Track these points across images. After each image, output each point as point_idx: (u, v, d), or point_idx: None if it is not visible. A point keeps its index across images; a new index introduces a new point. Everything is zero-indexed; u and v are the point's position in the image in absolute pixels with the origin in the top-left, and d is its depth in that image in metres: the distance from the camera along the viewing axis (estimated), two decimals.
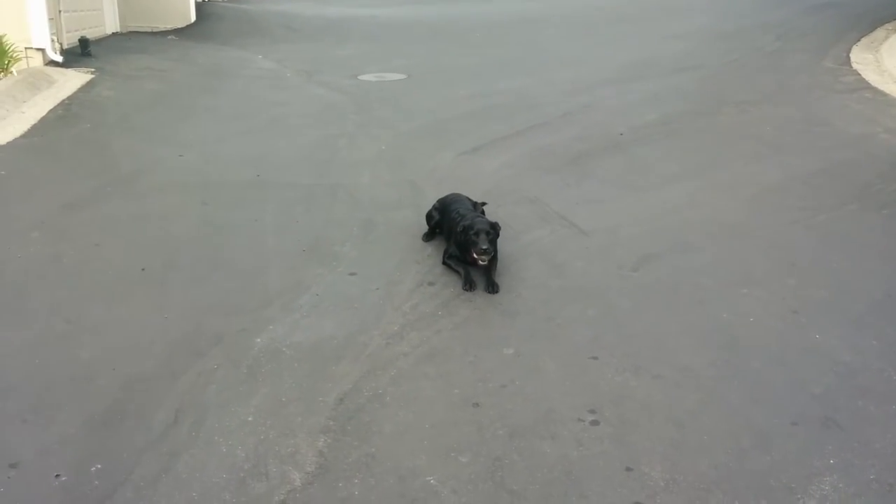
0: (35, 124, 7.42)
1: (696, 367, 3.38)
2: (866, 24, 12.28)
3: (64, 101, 8.38)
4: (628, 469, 2.76)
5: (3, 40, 8.98)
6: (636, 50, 11.96)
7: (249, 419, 3.07)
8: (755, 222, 5.06)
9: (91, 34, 12.28)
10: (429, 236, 4.88)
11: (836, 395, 3.18)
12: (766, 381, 3.28)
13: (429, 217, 4.95)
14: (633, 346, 3.56)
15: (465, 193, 5.04)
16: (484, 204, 5.14)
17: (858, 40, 11.20)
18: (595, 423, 3.01)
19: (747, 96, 8.58)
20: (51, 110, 7.94)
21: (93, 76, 9.76)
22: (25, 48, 9.69)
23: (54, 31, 10.36)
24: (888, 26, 11.96)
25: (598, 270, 4.40)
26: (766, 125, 7.42)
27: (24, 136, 7.06)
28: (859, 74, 9.34)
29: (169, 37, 14.78)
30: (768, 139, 6.96)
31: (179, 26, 15.95)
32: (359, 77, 10.59)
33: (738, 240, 4.79)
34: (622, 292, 4.12)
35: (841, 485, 2.67)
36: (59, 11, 11.08)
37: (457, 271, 4.35)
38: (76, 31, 11.84)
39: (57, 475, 2.75)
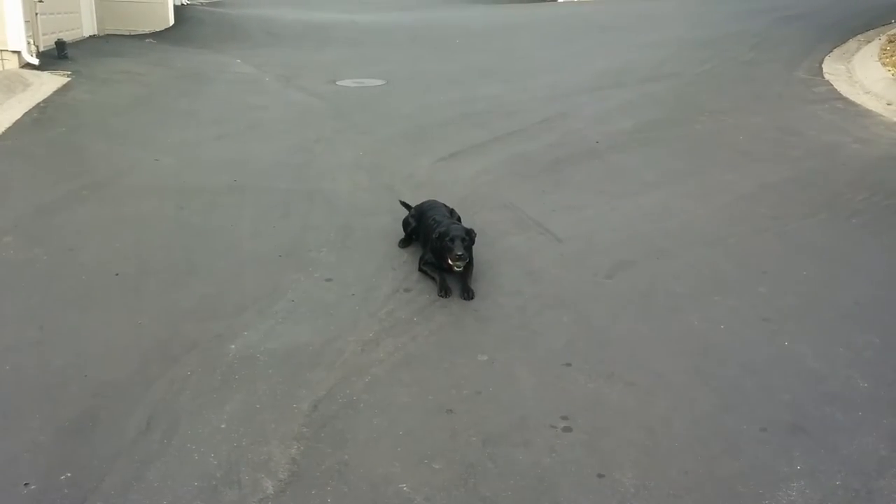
0: (10, 127, 7.33)
1: (668, 374, 3.42)
2: (839, 35, 12.47)
3: (39, 104, 8.28)
4: (600, 476, 2.78)
5: None
6: (613, 58, 12.06)
7: (222, 426, 3.06)
8: (728, 230, 5.12)
9: (68, 37, 12.13)
10: (405, 242, 4.89)
11: (805, 402, 3.23)
12: (736, 388, 3.33)
13: (405, 223, 4.97)
14: (606, 353, 3.60)
15: (442, 200, 5.06)
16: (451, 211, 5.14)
17: (831, 51, 11.38)
18: (568, 429, 3.03)
19: (722, 105, 8.69)
20: (26, 113, 7.85)
21: (69, 79, 9.66)
22: (1, 50, 9.58)
23: (30, 33, 10.23)
24: (860, 38, 12.15)
25: (573, 277, 4.44)
26: (740, 134, 7.52)
27: None
28: (831, 85, 9.49)
29: (147, 40, 14.66)
30: (742, 148, 7.05)
31: (158, 30, 15.81)
32: (337, 82, 10.58)
33: (711, 247, 4.85)
34: (596, 299, 4.16)
35: (808, 490, 2.72)
36: (36, 14, 10.94)
37: (433, 277, 4.37)
38: (53, 33, 11.69)
39: (26, 483, 2.72)
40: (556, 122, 8.12)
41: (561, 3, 30.37)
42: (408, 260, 4.66)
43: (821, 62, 10.73)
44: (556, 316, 3.97)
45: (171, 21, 16.43)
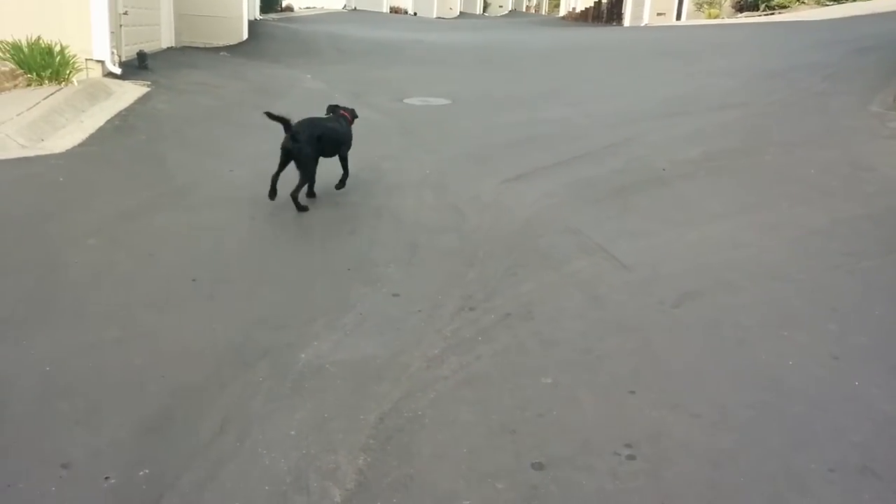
0: (93, 133, 7.70)
1: (734, 408, 3.39)
2: None
3: (121, 112, 8.67)
4: None
5: (66, 51, 9.34)
6: (680, 85, 11.99)
7: (292, 433, 3.15)
8: (798, 265, 5.04)
9: (148, 48, 12.67)
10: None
11: (875, 444, 3.16)
12: (804, 426, 3.27)
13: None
14: (671, 383, 3.59)
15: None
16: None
17: None
18: (631, 457, 3.04)
19: (792, 137, 8.54)
20: (108, 121, 8.23)
21: (149, 89, 10.09)
22: (86, 59, 10.07)
23: (114, 44, 10.73)
24: None
25: (638, 305, 4.43)
26: (811, 167, 7.37)
27: (82, 144, 7.34)
28: None
29: (221, 53, 15.20)
30: (813, 181, 6.92)
31: (231, 43, 16.37)
32: (404, 100, 10.78)
33: (780, 282, 4.78)
34: (662, 328, 4.14)
35: None
36: (120, 26, 11.47)
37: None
38: (134, 44, 12.24)
39: (107, 477, 2.85)
40: (621, 147, 8.11)
41: (628, 27, 30.31)
42: (473, 280, 4.72)
43: (895, 96, 10.44)
44: (620, 342, 3.97)
45: (245, 35, 16.97)
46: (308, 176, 5.86)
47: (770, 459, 3.05)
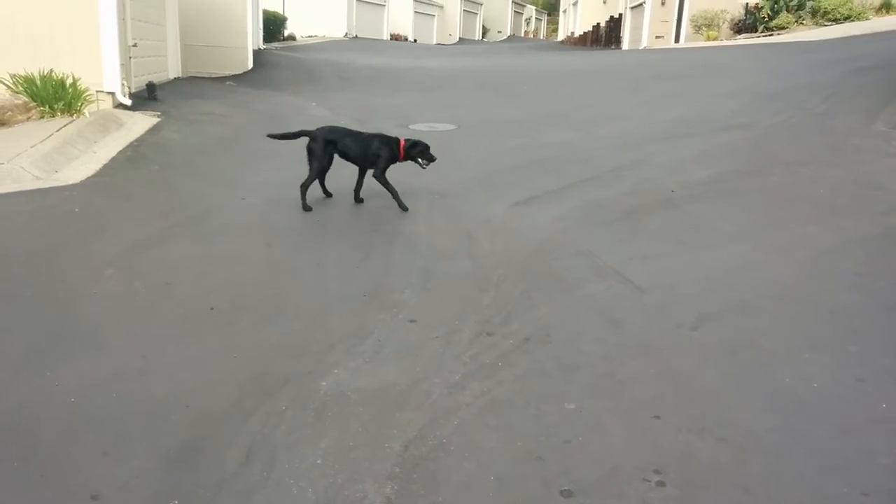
0: (106, 164, 7.75)
1: (761, 432, 3.37)
2: None
3: (133, 142, 8.74)
4: None
5: (78, 84, 9.44)
6: (683, 107, 12.06)
7: (318, 462, 3.14)
8: (814, 286, 5.04)
9: (155, 79, 12.79)
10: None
11: None
12: (833, 450, 3.26)
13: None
14: (696, 407, 3.58)
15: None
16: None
17: None
18: (661, 483, 3.02)
19: (798, 157, 8.57)
20: (120, 151, 8.29)
21: (158, 119, 10.18)
22: (97, 91, 10.16)
23: (124, 75, 10.83)
24: None
25: (657, 328, 4.43)
26: (819, 187, 7.40)
27: (95, 175, 7.39)
28: None
29: (227, 82, 15.33)
30: (822, 201, 6.94)
31: (237, 73, 16.53)
32: (410, 126, 10.85)
33: (797, 303, 4.78)
34: (682, 351, 4.14)
35: None
36: (130, 58, 11.59)
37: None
38: (143, 75, 12.36)
39: None
40: (629, 170, 8.15)
41: (627, 50, 30.57)
42: (488, 304, 4.72)
43: None
44: (641, 366, 3.96)
45: (250, 65, 17.14)
46: (313, 170, 6.68)
47: (801, 484, 3.03)
